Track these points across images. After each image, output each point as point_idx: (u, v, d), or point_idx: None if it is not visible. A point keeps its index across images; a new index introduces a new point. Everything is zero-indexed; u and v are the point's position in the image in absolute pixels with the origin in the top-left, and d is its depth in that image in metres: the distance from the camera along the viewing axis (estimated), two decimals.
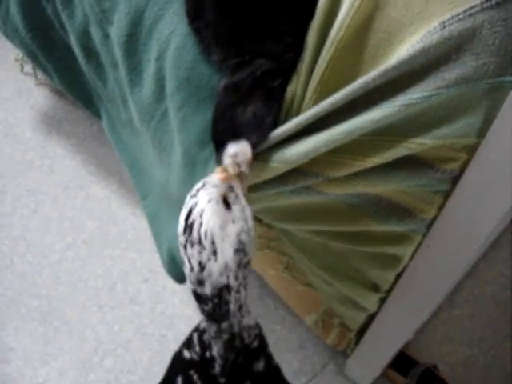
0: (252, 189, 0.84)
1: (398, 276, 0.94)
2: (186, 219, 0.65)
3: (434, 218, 0.81)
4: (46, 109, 1.84)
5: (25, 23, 1.30)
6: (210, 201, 0.65)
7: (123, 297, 1.47)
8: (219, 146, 0.81)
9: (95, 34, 1.09)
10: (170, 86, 0.94)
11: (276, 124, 0.79)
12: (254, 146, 0.76)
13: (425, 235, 0.84)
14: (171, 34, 0.94)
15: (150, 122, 1.01)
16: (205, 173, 0.87)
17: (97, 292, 1.48)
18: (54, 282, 1.49)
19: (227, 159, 0.72)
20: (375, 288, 0.98)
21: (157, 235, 1.15)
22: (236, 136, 0.78)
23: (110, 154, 1.46)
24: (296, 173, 0.80)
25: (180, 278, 1.10)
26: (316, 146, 0.73)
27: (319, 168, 0.78)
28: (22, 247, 1.55)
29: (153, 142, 1.02)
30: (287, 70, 0.80)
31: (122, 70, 1.04)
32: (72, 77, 1.32)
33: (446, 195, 0.77)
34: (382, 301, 1.02)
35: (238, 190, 0.69)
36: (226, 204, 0.66)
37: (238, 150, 0.72)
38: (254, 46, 0.80)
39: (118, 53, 1.04)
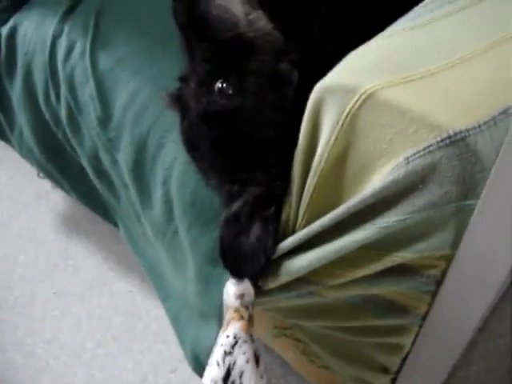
0: (259, 295, 0.94)
1: (405, 358, 1.03)
2: (225, 379, 0.70)
3: (427, 313, 0.89)
4: (64, 210, 1.93)
5: (38, 146, 1.40)
6: (248, 361, 0.71)
7: None
8: (232, 271, 0.89)
9: (104, 158, 1.18)
10: (177, 208, 1.02)
11: (277, 243, 0.88)
12: (262, 268, 0.86)
13: (421, 326, 0.92)
14: (174, 160, 1.02)
15: (164, 239, 1.08)
16: (219, 289, 0.96)
17: None
18: (89, 381, 1.56)
19: (235, 301, 0.80)
20: (385, 370, 1.06)
21: (180, 336, 1.22)
22: (245, 261, 0.87)
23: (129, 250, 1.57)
24: (298, 281, 0.90)
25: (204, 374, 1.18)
26: (311, 262, 0.84)
27: (318, 277, 0.88)
28: (56, 349, 1.62)
29: (167, 256, 1.11)
30: (278, 196, 0.89)
31: (133, 192, 1.12)
32: (87, 192, 1.39)
33: (434, 294, 0.86)
34: (394, 380, 1.10)
35: (255, 338, 0.77)
36: (257, 361, 0.73)
37: (244, 292, 0.80)
38: (244, 175, 0.89)
39: (127, 177, 1.12)
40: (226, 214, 0.92)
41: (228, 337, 0.78)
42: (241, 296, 0.80)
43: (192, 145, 0.98)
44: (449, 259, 0.79)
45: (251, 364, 0.72)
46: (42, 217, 1.97)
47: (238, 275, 0.88)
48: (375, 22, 0.89)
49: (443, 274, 0.82)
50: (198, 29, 0.90)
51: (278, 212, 0.91)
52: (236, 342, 0.75)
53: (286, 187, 0.91)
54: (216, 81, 0.89)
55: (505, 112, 0.72)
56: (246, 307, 0.80)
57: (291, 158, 0.87)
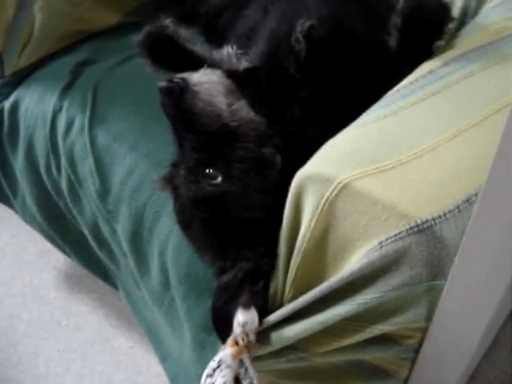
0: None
1: None
2: None
3: (408, 376, 0.96)
4: (66, 268, 1.99)
5: (40, 213, 1.46)
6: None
7: None
8: (222, 336, 0.95)
9: (104, 228, 1.24)
10: (173, 278, 1.08)
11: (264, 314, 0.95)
12: None
13: None
14: (169, 233, 1.09)
15: (161, 306, 1.15)
16: (214, 354, 1.03)
17: None
18: None
19: (237, 328, 0.87)
20: None
21: None
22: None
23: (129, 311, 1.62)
24: (287, 349, 0.96)
25: None
26: (298, 333, 0.91)
27: (305, 345, 0.94)
28: None
29: (165, 321, 1.17)
30: (265, 271, 0.96)
31: (131, 261, 1.19)
32: (88, 256, 1.45)
33: (413, 360, 0.92)
34: None
35: (247, 361, 0.83)
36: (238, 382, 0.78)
37: (247, 319, 0.87)
38: (234, 253, 0.97)
39: (125, 246, 1.18)
40: (218, 284, 0.99)
41: (214, 361, 0.83)
42: (244, 324, 0.86)
43: (185, 225, 1.05)
44: (424, 330, 0.86)
45: None
46: (45, 274, 2.02)
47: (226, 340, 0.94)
48: (351, 105, 0.97)
49: (420, 343, 0.88)
50: (185, 121, 0.97)
51: (266, 285, 0.97)
52: (218, 366, 0.81)
53: (273, 263, 0.97)
54: (204, 168, 0.96)
55: (468, 200, 0.79)
56: (247, 334, 0.85)
57: (276, 236, 0.93)
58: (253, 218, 0.97)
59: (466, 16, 1.45)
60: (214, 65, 1.14)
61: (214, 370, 0.81)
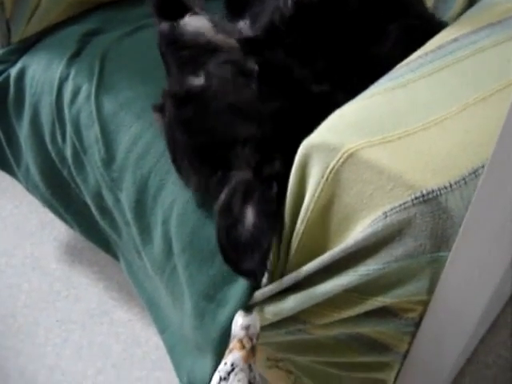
0: None
1: None
2: None
3: (407, 351, 0.96)
4: (67, 239, 1.99)
5: (43, 182, 1.46)
6: None
7: None
8: (233, 266, 0.96)
9: (107, 196, 1.24)
10: (176, 247, 1.08)
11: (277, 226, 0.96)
12: (262, 260, 0.93)
13: (402, 363, 0.99)
14: (173, 201, 1.09)
15: (163, 275, 1.15)
16: (214, 323, 1.03)
17: None
18: None
19: (240, 332, 0.86)
20: None
21: (176, 366, 1.27)
22: (245, 253, 0.94)
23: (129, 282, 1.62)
24: (287, 320, 0.96)
25: None
26: (299, 304, 0.91)
27: (305, 316, 0.95)
28: (58, 375, 1.67)
29: (166, 291, 1.17)
30: (272, 175, 0.98)
31: (134, 229, 1.19)
32: (89, 226, 1.45)
33: (413, 335, 0.92)
34: None
35: (254, 366, 0.83)
36: None
37: (249, 323, 0.87)
38: (223, 155, 0.99)
39: (128, 214, 1.18)
40: (218, 206, 0.98)
41: (226, 364, 0.83)
42: (247, 327, 0.86)
43: (173, 150, 1.08)
44: (425, 304, 0.86)
45: None
46: (46, 246, 2.02)
47: (239, 270, 0.95)
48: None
49: (421, 317, 0.88)
50: (175, 44, 1.02)
51: (280, 191, 0.96)
52: (233, 370, 0.81)
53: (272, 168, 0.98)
54: (187, 76, 0.97)
55: (474, 172, 0.78)
56: (251, 338, 0.85)
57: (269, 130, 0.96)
58: (233, 120, 0.98)
59: None
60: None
61: (229, 374, 0.80)
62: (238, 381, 0.77)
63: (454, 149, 0.81)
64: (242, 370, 0.80)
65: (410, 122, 0.84)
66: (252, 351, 0.84)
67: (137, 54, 1.38)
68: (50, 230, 2.04)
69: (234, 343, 0.84)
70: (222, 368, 0.81)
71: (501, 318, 1.24)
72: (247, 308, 0.99)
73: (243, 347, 0.82)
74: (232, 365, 0.81)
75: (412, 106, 0.88)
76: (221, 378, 0.79)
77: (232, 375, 0.79)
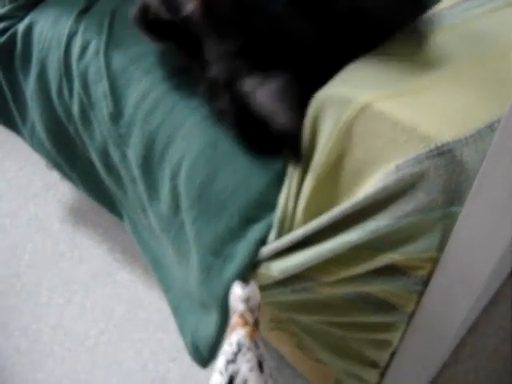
0: None
1: (393, 354, 1.09)
2: None
3: (414, 311, 0.95)
4: (71, 201, 1.98)
5: (49, 139, 1.44)
6: (251, 369, 0.73)
7: (154, 376, 1.59)
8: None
9: (114, 153, 1.23)
10: (184, 202, 1.07)
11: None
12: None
13: (408, 324, 0.98)
14: (181, 157, 1.08)
15: (169, 231, 1.14)
16: (220, 279, 1.02)
17: (130, 373, 1.61)
18: (91, 366, 1.62)
19: (240, 304, 0.84)
20: (374, 365, 1.12)
21: (180, 325, 1.27)
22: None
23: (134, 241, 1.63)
24: (293, 277, 0.95)
25: (203, 363, 1.23)
26: (307, 260, 0.89)
27: (312, 274, 0.93)
28: (60, 335, 1.67)
29: (172, 248, 1.16)
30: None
31: (141, 186, 1.18)
32: (95, 185, 1.44)
33: (421, 294, 0.91)
34: (382, 374, 1.16)
35: (260, 343, 0.80)
36: (260, 367, 0.75)
37: (248, 294, 0.84)
38: None
39: (135, 171, 1.17)
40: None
41: (231, 344, 0.80)
42: (246, 299, 0.83)
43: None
44: (435, 261, 0.84)
45: (255, 372, 0.74)
46: (50, 207, 2.02)
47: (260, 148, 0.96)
48: None
49: (430, 275, 0.87)
50: None
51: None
52: (239, 350, 0.77)
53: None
54: None
55: (490, 126, 0.77)
56: (252, 311, 0.83)
57: None
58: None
59: None
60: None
61: (236, 355, 0.76)
62: (248, 361, 0.74)
63: (470, 102, 0.79)
64: (249, 349, 0.76)
65: (426, 75, 0.81)
66: (256, 326, 0.81)
67: None
68: (54, 192, 2.04)
69: (235, 319, 0.81)
70: (228, 350, 0.77)
71: (501, 291, 1.23)
72: (252, 266, 0.97)
73: (246, 323, 0.79)
74: (238, 345, 0.77)
75: (427, 59, 0.85)
76: (228, 361, 0.75)
77: (240, 356, 0.75)
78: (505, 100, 0.66)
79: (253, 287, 0.86)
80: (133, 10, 1.15)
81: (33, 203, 2.00)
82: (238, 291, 0.84)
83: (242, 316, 0.79)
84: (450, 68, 0.82)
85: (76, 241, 1.88)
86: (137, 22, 1.14)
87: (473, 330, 1.46)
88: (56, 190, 2.01)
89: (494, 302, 1.37)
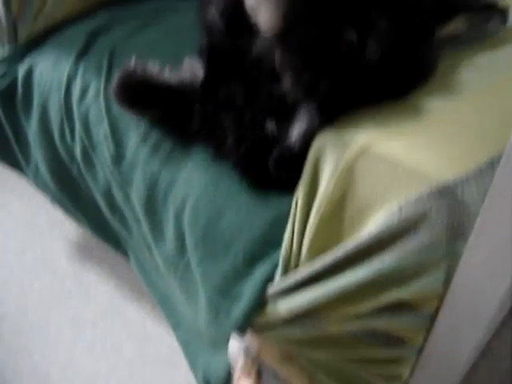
0: (263, 328, 1.00)
1: None
2: None
3: (423, 345, 0.96)
4: (77, 238, 1.99)
5: (53, 180, 1.46)
6: None
7: None
8: None
9: (117, 194, 1.24)
10: (189, 243, 1.08)
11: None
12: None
13: (417, 358, 0.98)
14: (185, 197, 1.09)
15: (176, 272, 1.14)
16: (228, 319, 1.03)
17: None
18: None
19: (241, 356, 0.84)
20: None
21: (191, 362, 1.27)
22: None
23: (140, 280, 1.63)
24: (300, 315, 0.96)
25: None
26: (314, 299, 0.90)
27: (319, 311, 0.94)
28: (71, 374, 1.67)
29: (180, 288, 1.16)
30: None
31: (145, 227, 1.18)
32: (100, 224, 1.45)
33: (428, 329, 0.92)
34: None
35: None
36: None
37: (247, 344, 0.84)
38: None
39: (139, 212, 1.18)
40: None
41: None
42: (245, 350, 0.83)
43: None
44: (441, 297, 0.85)
45: None
46: (56, 244, 2.02)
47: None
48: None
49: (437, 310, 0.87)
50: None
51: None
52: None
53: None
54: None
55: (490, 163, 0.77)
56: (252, 361, 0.83)
57: None
58: None
59: None
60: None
61: None
62: None
63: (470, 139, 0.80)
64: None
65: (426, 115, 0.82)
66: (258, 376, 0.82)
67: (144, 50, 1.37)
68: (59, 229, 2.04)
69: (238, 373, 0.81)
70: None
71: None
72: (260, 305, 0.97)
73: (249, 374, 0.79)
74: None
75: (427, 96, 0.86)
76: None
77: None
78: (504, 135, 0.67)
79: (248, 336, 0.85)
80: (113, 85, 1.16)
81: (39, 241, 2.01)
82: (235, 344, 0.83)
83: (244, 368, 0.79)
84: (449, 104, 0.83)
85: (83, 278, 1.89)
86: (119, 96, 1.16)
87: (486, 352, 1.45)
88: (61, 227, 2.01)
89: (507, 322, 1.36)
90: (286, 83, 0.93)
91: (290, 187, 0.97)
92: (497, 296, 0.79)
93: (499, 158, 0.74)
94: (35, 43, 1.51)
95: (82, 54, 1.40)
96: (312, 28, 0.86)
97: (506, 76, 0.90)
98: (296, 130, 0.93)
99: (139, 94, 1.17)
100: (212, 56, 1.12)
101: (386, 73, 0.88)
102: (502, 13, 1.03)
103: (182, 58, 1.22)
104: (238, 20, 1.04)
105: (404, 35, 0.88)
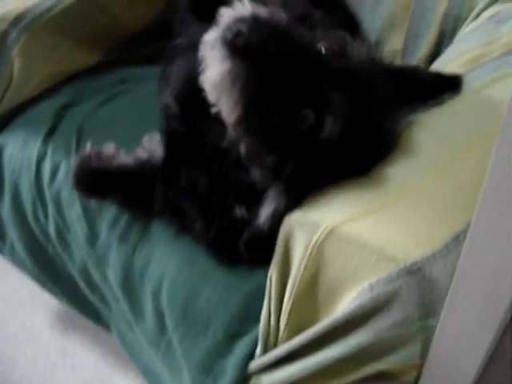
0: None
1: None
2: None
3: None
4: (58, 308, 1.98)
5: (29, 257, 1.46)
6: None
7: None
8: None
9: (94, 273, 1.24)
10: (169, 321, 1.08)
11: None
12: None
13: None
14: (161, 276, 1.10)
15: (158, 349, 1.15)
16: None
17: None
18: None
19: None
20: None
21: None
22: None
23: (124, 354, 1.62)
24: None
25: None
26: (294, 374, 0.91)
27: None
28: None
29: (163, 364, 1.17)
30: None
31: (124, 305, 1.19)
32: (79, 300, 1.45)
33: None
34: None
35: None
36: None
37: None
38: None
39: (117, 291, 1.18)
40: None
41: None
42: None
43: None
44: (420, 367, 0.86)
45: None
46: (38, 316, 2.01)
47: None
48: None
49: (416, 379, 0.88)
50: None
51: None
52: None
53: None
54: None
55: (456, 238, 0.79)
56: None
57: None
58: None
59: (444, 37, 1.47)
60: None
61: None
62: None
63: (434, 215, 0.82)
64: None
65: (388, 190, 0.83)
66: None
67: (112, 125, 1.39)
68: (40, 300, 2.03)
69: None
70: None
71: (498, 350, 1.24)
72: (243, 380, 0.98)
73: None
74: None
75: (389, 173, 0.88)
76: None
77: None
78: (467, 208, 0.70)
79: None
80: (70, 176, 1.19)
81: (20, 313, 2.00)
82: None
83: None
84: (411, 180, 0.85)
85: (68, 348, 1.88)
86: (77, 186, 1.20)
87: None
88: (42, 298, 2.00)
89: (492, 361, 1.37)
90: (254, 172, 0.94)
91: (263, 262, 0.96)
92: (473, 368, 0.80)
93: (463, 232, 0.75)
94: (3, 123, 1.51)
95: (50, 132, 1.41)
96: (271, 113, 0.87)
97: (465, 143, 0.91)
98: (264, 213, 0.94)
99: (96, 183, 1.19)
100: (170, 140, 1.13)
101: (348, 149, 0.90)
102: (456, 82, 1.05)
103: (148, 130, 1.24)
104: (193, 104, 1.05)
105: (362, 110, 0.89)
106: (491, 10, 1.31)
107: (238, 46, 0.85)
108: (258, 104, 0.86)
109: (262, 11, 0.87)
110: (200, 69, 0.91)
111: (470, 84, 1.06)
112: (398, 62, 1.64)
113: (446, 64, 1.18)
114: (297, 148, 0.90)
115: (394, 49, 1.64)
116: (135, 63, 1.67)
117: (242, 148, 0.94)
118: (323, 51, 0.90)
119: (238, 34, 0.85)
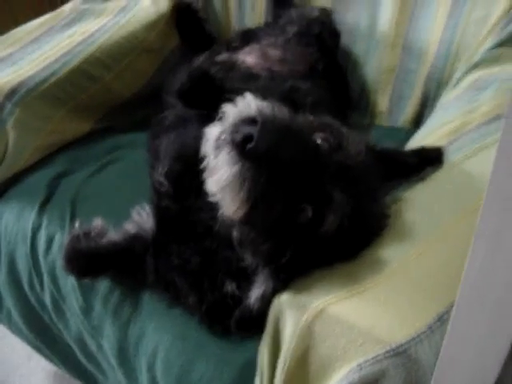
0: None
1: None
2: None
3: None
4: (55, 369, 1.96)
5: (26, 325, 1.48)
6: None
7: None
8: None
9: (90, 342, 1.26)
10: None
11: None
12: None
13: None
14: (155, 348, 1.11)
15: None
16: None
17: None
18: None
19: None
20: None
21: None
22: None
23: None
24: None
25: None
26: None
27: None
28: None
29: None
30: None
31: (120, 375, 1.20)
32: (76, 367, 1.46)
33: None
34: None
35: None
36: None
37: None
38: None
39: (113, 361, 1.20)
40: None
41: None
42: None
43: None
44: None
45: None
46: (34, 377, 2.01)
47: None
48: None
49: None
50: None
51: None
52: None
53: None
54: None
55: (439, 319, 0.82)
56: None
57: None
58: None
59: (428, 99, 1.51)
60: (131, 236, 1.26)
61: None
62: None
63: (418, 296, 0.84)
64: None
65: (374, 271, 0.86)
66: None
67: (106, 193, 1.42)
68: (37, 360, 2.02)
69: None
70: None
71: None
72: None
73: None
74: None
75: (374, 254, 0.91)
76: None
77: None
78: (451, 287, 0.72)
79: None
80: (61, 260, 1.23)
81: (17, 374, 1.99)
82: None
83: None
84: (395, 260, 0.87)
85: None
86: (68, 269, 1.24)
87: None
88: (39, 359, 1.98)
89: None
90: (246, 256, 0.97)
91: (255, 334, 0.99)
92: None
93: (447, 312, 0.78)
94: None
95: (45, 203, 1.44)
96: (273, 208, 0.90)
97: (447, 220, 0.94)
98: (254, 294, 0.97)
99: (87, 264, 1.23)
100: (162, 217, 1.16)
101: (342, 238, 0.93)
102: (438, 157, 1.09)
103: (138, 199, 1.28)
104: (184, 182, 1.08)
105: (358, 203, 0.93)
106: (471, 77, 1.33)
107: (248, 151, 0.86)
108: (262, 202, 0.88)
109: (266, 108, 0.89)
110: (202, 166, 0.94)
111: (452, 156, 1.09)
112: (384, 123, 1.67)
113: (428, 134, 1.22)
114: (292, 239, 0.92)
115: (379, 110, 1.68)
116: (127, 129, 1.71)
117: (236, 233, 0.96)
118: (319, 142, 0.92)
119: (247, 137, 0.86)
